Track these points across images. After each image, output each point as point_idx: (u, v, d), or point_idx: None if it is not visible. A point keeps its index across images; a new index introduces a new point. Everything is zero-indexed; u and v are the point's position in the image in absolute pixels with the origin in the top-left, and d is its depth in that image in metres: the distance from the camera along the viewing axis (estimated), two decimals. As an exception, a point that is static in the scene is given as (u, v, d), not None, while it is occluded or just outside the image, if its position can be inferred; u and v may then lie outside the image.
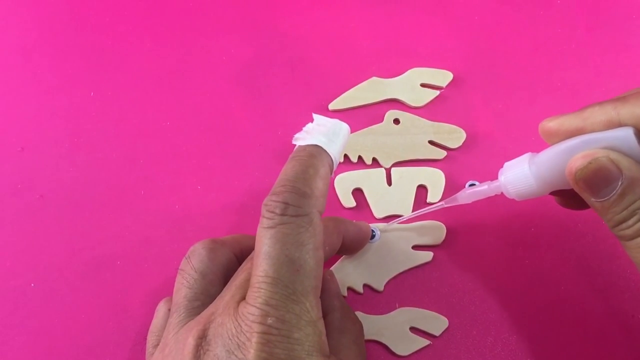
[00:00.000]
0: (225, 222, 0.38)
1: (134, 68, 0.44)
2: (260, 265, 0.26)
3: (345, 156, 0.40)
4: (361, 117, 0.41)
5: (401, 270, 0.36)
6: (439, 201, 0.37)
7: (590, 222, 0.38)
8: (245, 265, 0.30)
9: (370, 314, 0.35)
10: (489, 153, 0.40)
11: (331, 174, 0.30)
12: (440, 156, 0.40)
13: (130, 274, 0.37)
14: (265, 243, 0.26)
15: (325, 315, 0.29)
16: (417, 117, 0.41)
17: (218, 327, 0.26)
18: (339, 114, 0.41)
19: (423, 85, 0.42)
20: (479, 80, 0.43)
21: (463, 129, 0.41)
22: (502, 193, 0.31)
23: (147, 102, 0.42)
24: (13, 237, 0.38)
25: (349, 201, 0.38)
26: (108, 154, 0.40)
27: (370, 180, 0.39)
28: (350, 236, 0.34)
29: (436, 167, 0.39)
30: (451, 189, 0.39)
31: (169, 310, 0.31)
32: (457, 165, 0.40)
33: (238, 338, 0.25)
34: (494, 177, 0.31)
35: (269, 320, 0.25)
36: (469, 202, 0.33)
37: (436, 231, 0.37)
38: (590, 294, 0.36)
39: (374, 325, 0.35)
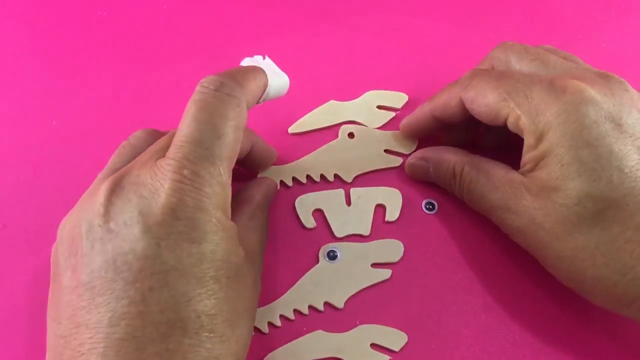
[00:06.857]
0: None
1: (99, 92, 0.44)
2: (185, 128, 0.28)
3: (308, 177, 0.41)
4: (320, 139, 0.42)
5: (361, 288, 0.37)
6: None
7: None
8: (162, 139, 0.31)
9: (331, 331, 0.36)
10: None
11: (260, 96, 0.33)
12: (397, 163, 0.41)
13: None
14: (192, 111, 0.28)
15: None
16: (369, 128, 0.43)
17: (134, 177, 0.27)
18: (298, 137, 0.43)
19: (379, 107, 0.44)
20: (434, 101, 0.45)
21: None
22: None
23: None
24: None
25: (309, 222, 0.39)
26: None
27: (329, 201, 0.40)
28: (259, 148, 0.38)
29: (393, 186, 0.41)
30: (408, 207, 0.40)
31: None
32: (413, 184, 0.41)
33: (152, 185, 0.26)
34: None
35: (185, 171, 0.26)
36: None
37: (394, 249, 0.38)
38: (547, 301, 0.37)
39: (336, 343, 0.35)
